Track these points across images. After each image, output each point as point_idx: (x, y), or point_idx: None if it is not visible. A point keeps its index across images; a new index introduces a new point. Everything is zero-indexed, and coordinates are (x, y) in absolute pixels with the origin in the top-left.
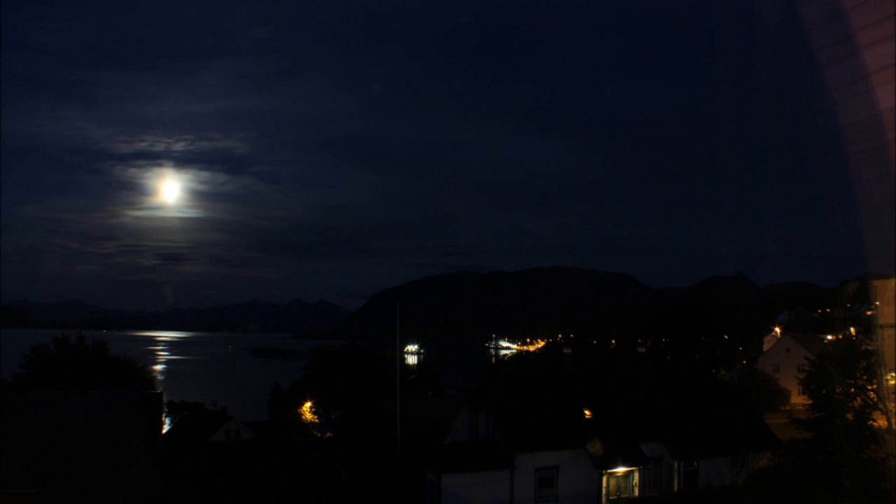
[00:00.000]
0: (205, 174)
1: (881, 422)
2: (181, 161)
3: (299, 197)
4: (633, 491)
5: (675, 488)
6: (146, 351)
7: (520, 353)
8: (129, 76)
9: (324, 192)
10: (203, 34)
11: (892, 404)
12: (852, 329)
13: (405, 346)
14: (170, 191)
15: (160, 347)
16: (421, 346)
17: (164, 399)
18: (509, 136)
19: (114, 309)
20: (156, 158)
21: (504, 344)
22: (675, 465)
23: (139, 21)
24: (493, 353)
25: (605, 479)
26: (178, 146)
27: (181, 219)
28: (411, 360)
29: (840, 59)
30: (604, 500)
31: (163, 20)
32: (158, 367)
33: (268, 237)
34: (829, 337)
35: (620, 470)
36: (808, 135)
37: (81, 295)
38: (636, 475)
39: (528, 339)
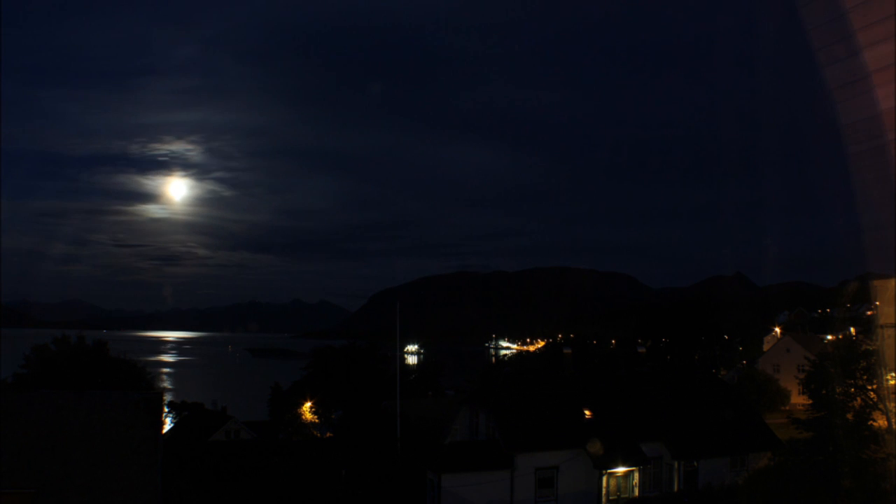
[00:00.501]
0: (170, 180)
1: (881, 422)
2: (154, 167)
3: (267, 201)
4: (633, 491)
5: (675, 488)
6: (146, 351)
7: (520, 353)
8: (64, 92)
9: (289, 197)
10: (129, 56)
11: (892, 404)
12: (852, 329)
13: (405, 346)
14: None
15: (160, 347)
16: (421, 346)
17: (165, 399)
18: (477, 144)
19: (114, 309)
20: (120, 163)
21: (504, 344)
22: (675, 465)
23: (58, 43)
24: (493, 353)
25: (605, 479)
26: (140, 152)
27: (173, 220)
28: (411, 360)
29: (840, 59)
30: (604, 500)
31: (83, 43)
32: (158, 368)
33: (243, 238)
34: (829, 337)
35: (620, 470)
36: (808, 135)
37: (81, 295)
38: (636, 475)
39: (528, 339)
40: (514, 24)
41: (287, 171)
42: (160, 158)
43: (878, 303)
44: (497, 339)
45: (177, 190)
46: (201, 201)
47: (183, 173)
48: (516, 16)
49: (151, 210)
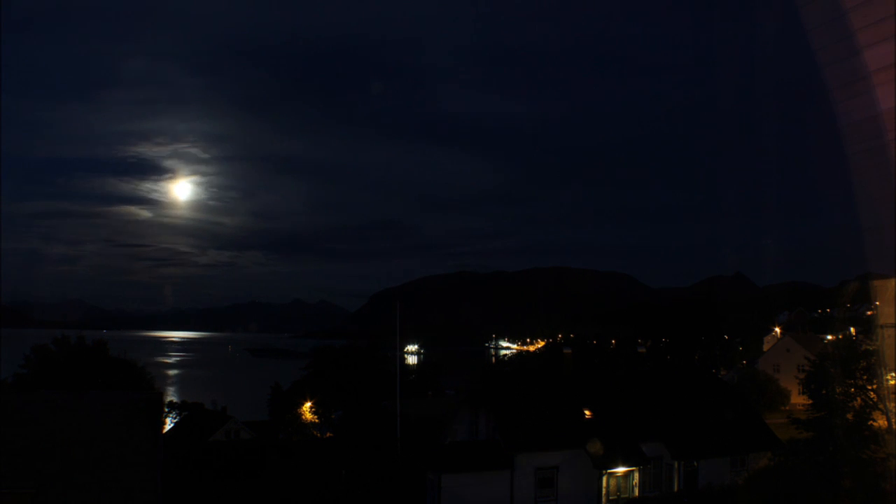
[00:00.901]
0: (147, 184)
1: (881, 422)
2: (128, 172)
3: (243, 205)
4: (633, 491)
5: (675, 488)
6: (145, 351)
7: (520, 353)
8: (30, 103)
9: (266, 200)
10: (76, 72)
11: (892, 404)
12: (852, 329)
13: (405, 346)
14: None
15: (160, 347)
16: (421, 346)
17: (165, 399)
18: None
19: (114, 309)
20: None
21: (504, 344)
22: (675, 465)
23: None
24: (493, 353)
25: (605, 479)
26: (110, 157)
27: (159, 223)
28: (411, 360)
29: (840, 59)
30: (604, 500)
31: (34, 58)
32: (158, 367)
33: (228, 239)
34: (829, 337)
35: (620, 470)
36: (808, 135)
37: (81, 295)
38: (636, 475)
39: (528, 339)
40: (508, 29)
41: (257, 176)
42: (130, 160)
43: (878, 303)
44: (497, 339)
45: (158, 193)
46: (184, 204)
47: (157, 178)
48: (515, 18)
49: (135, 212)
